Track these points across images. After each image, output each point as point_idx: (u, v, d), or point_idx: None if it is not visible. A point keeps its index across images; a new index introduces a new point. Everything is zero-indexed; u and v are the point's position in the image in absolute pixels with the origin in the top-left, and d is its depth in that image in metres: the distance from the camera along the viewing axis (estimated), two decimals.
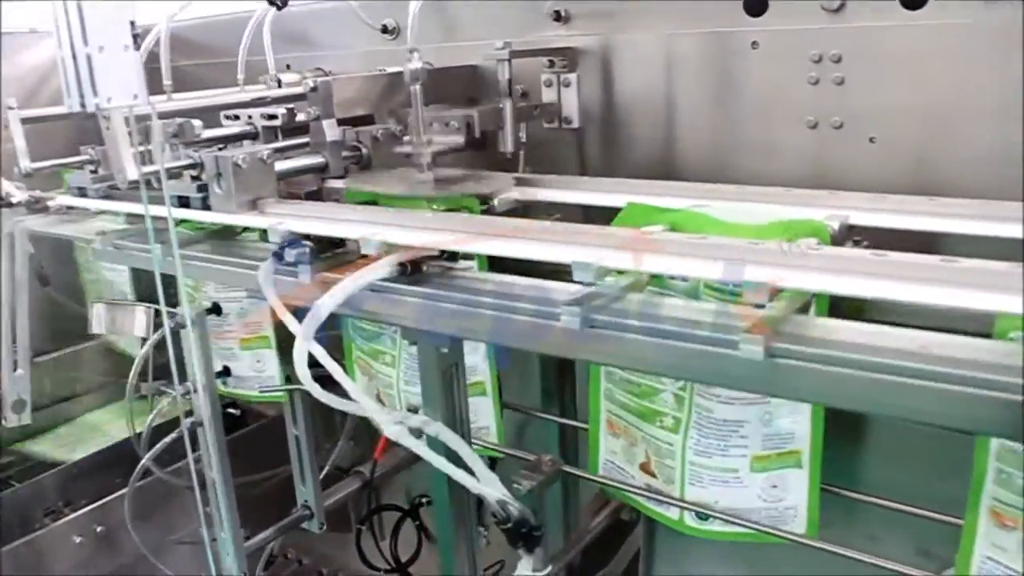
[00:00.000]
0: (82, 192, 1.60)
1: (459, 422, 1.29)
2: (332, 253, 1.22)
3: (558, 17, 1.57)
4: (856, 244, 1.04)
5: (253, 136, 1.53)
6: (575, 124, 1.60)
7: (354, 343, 1.63)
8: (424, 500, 2.14)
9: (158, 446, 1.84)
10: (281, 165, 1.39)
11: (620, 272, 0.97)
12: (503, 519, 1.20)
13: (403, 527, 2.17)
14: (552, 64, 1.58)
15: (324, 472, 1.94)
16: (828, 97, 1.33)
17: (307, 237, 1.20)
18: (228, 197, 1.32)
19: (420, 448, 1.19)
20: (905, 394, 0.76)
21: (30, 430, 2.20)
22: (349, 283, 1.07)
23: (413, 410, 1.41)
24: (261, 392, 1.74)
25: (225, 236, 1.42)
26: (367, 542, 2.16)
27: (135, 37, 1.01)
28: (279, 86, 1.60)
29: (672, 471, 1.24)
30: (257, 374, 1.72)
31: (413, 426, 1.20)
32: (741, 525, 1.21)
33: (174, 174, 1.36)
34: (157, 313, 1.82)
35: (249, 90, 1.61)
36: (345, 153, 1.47)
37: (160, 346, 1.81)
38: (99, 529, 1.99)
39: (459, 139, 1.46)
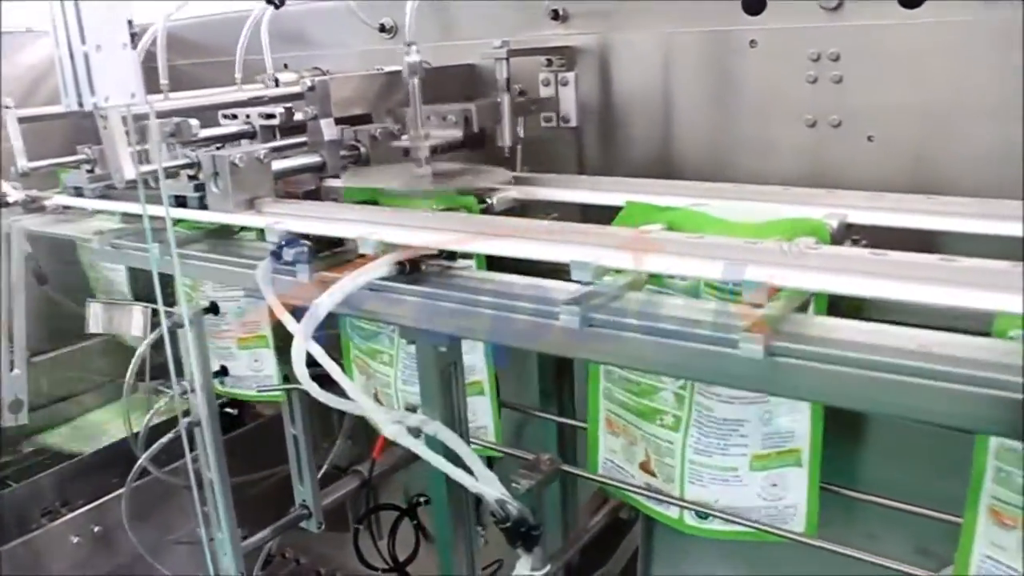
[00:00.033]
0: (78, 192, 1.60)
1: (458, 421, 1.29)
2: (331, 252, 1.21)
3: (556, 16, 1.57)
4: (855, 243, 1.03)
5: (251, 135, 1.52)
6: (573, 123, 1.59)
7: (352, 342, 1.63)
8: (422, 499, 2.14)
9: (155, 446, 1.83)
10: (278, 164, 1.39)
11: (619, 271, 0.97)
12: (502, 518, 1.20)
13: (401, 526, 2.17)
14: (550, 63, 1.58)
15: (322, 471, 1.94)
16: (826, 96, 1.32)
17: (305, 237, 1.20)
18: (225, 196, 1.31)
19: (419, 448, 1.19)
20: (905, 393, 0.76)
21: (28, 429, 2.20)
22: (348, 282, 1.07)
23: (411, 409, 1.41)
24: (259, 391, 1.74)
25: (223, 235, 1.42)
26: (365, 542, 2.16)
27: (132, 36, 1.01)
28: (276, 85, 1.60)
29: (672, 470, 1.24)
30: (255, 373, 1.72)
31: (411, 425, 1.20)
32: (741, 524, 1.21)
33: (171, 174, 1.35)
34: (155, 312, 1.82)
35: (246, 89, 1.60)
36: (343, 152, 1.47)
37: (158, 345, 1.82)
38: (96, 529, 1.99)
39: (457, 133, 1.46)
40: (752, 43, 1.38)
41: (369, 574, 2.16)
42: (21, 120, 1.52)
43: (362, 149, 1.48)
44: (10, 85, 2.04)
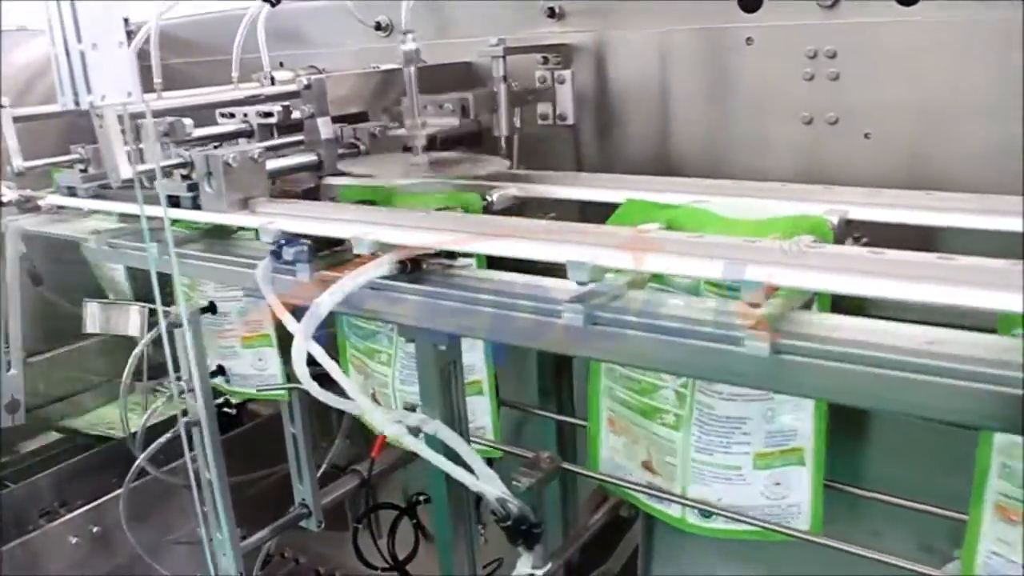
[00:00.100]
0: (71, 191, 1.59)
1: (457, 420, 1.28)
2: (330, 251, 1.21)
3: (552, 13, 1.57)
4: (856, 240, 1.03)
5: (248, 134, 1.52)
6: (570, 120, 1.59)
7: (349, 341, 1.63)
8: (421, 498, 2.14)
9: (153, 446, 1.83)
10: (273, 164, 1.38)
11: (618, 271, 0.97)
12: (503, 517, 1.20)
13: (400, 525, 2.17)
14: (546, 60, 1.57)
15: (321, 471, 1.94)
16: (823, 93, 1.32)
17: (300, 237, 1.19)
18: (219, 196, 1.30)
19: (420, 447, 1.19)
20: (911, 390, 0.76)
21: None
22: (348, 281, 1.07)
23: (410, 409, 1.40)
24: (259, 391, 1.74)
25: (222, 235, 1.41)
26: (364, 541, 2.16)
27: (127, 35, 1.01)
28: (272, 84, 1.60)
29: (674, 468, 1.24)
30: (259, 372, 1.71)
31: (411, 425, 1.20)
32: (744, 523, 1.21)
33: (165, 173, 1.35)
34: (152, 312, 1.82)
35: (243, 88, 1.60)
36: (342, 150, 1.46)
37: (156, 345, 1.81)
38: (95, 530, 1.98)
39: (454, 121, 1.46)
40: (748, 40, 1.38)
41: (369, 573, 2.16)
42: (16, 119, 1.51)
43: (362, 147, 1.47)
44: (4, 84, 2.03)
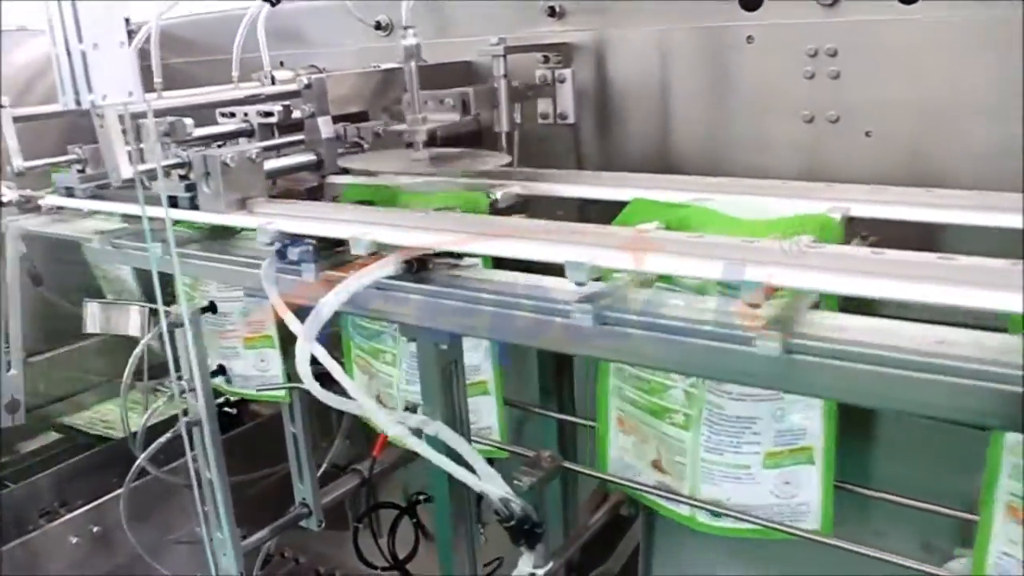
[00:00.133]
0: (69, 192, 1.58)
1: (459, 420, 1.28)
2: (332, 251, 1.20)
3: (552, 13, 1.57)
4: (863, 240, 1.03)
5: (249, 134, 1.52)
6: (570, 120, 1.59)
7: (353, 341, 1.62)
8: (421, 498, 2.14)
9: (153, 446, 1.83)
10: (272, 164, 1.38)
11: (615, 270, 0.96)
12: (506, 517, 1.20)
13: (400, 525, 2.16)
14: (547, 60, 1.57)
15: (321, 470, 1.94)
16: (824, 91, 1.33)
17: (297, 237, 1.18)
18: (216, 196, 1.29)
19: (423, 448, 1.19)
20: (923, 390, 0.76)
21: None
22: (353, 282, 1.06)
23: (411, 409, 1.40)
24: (258, 391, 1.73)
25: (225, 235, 1.41)
26: (364, 540, 2.16)
27: (128, 34, 1.01)
28: (273, 83, 1.60)
29: (683, 468, 1.23)
30: (261, 373, 1.71)
31: (412, 425, 1.20)
32: (753, 522, 1.20)
33: (163, 173, 1.34)
34: (152, 312, 1.82)
35: (243, 87, 1.60)
36: (347, 148, 1.46)
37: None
38: (95, 529, 1.98)
39: (454, 116, 1.46)
40: (749, 39, 1.38)
41: (369, 573, 2.16)
42: (16, 119, 1.51)
43: (365, 145, 1.47)
44: (4, 84, 2.03)
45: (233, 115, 1.54)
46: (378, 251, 1.10)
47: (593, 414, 1.51)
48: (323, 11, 1.90)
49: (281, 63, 1.80)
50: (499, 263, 1.11)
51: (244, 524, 1.65)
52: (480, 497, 1.36)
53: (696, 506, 1.25)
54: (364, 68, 1.57)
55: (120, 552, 2.00)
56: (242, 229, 1.39)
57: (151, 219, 1.15)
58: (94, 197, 1.54)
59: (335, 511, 1.93)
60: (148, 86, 1.36)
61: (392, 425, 1.16)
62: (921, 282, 0.79)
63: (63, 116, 1.47)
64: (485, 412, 1.50)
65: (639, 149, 1.54)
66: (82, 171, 1.57)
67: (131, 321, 1.89)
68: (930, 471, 1.24)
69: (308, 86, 1.43)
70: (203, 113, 1.47)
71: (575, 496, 1.63)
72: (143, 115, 1.20)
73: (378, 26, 1.80)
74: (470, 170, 1.32)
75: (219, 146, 1.44)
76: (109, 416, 2.35)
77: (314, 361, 1.08)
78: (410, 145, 1.39)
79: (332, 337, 1.57)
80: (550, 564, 1.31)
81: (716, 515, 1.24)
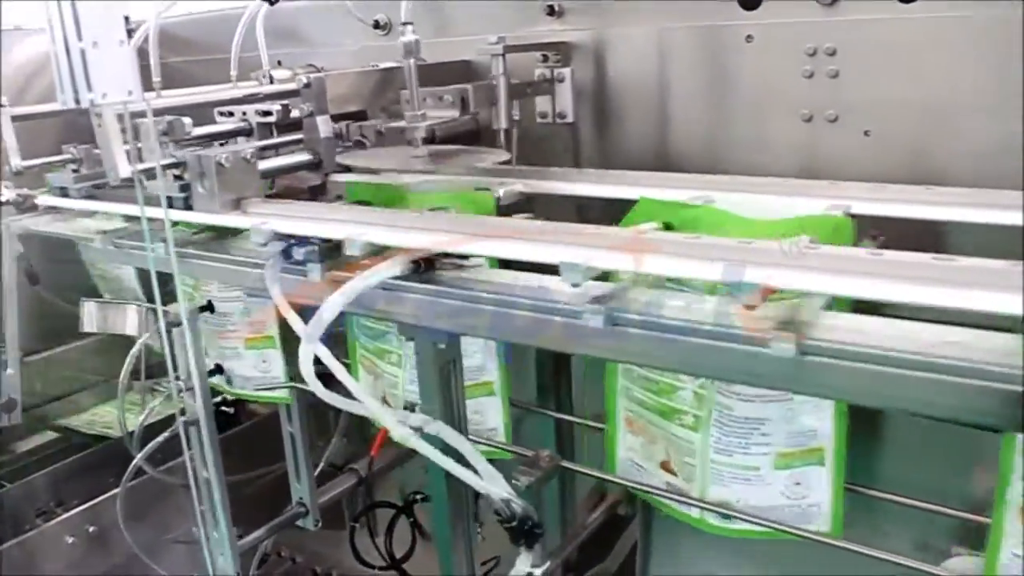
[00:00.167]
0: (64, 192, 1.55)
1: (457, 419, 1.28)
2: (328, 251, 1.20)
3: (551, 11, 1.57)
4: (874, 239, 1.03)
5: (248, 132, 1.52)
6: (569, 119, 1.59)
7: (359, 342, 1.60)
8: (418, 497, 2.14)
9: (150, 445, 1.83)
10: (267, 164, 1.37)
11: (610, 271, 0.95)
12: (508, 517, 1.19)
13: (397, 524, 2.16)
14: (546, 59, 1.58)
15: (318, 470, 1.94)
16: (823, 90, 1.33)
17: (293, 238, 1.18)
18: (211, 197, 1.29)
19: (428, 450, 1.18)
20: (940, 391, 0.75)
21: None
22: (359, 282, 1.04)
23: (410, 408, 1.40)
24: (256, 390, 1.73)
25: (228, 234, 1.40)
26: (361, 539, 2.16)
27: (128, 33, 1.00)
28: (271, 83, 1.60)
29: (693, 469, 1.22)
30: (262, 375, 1.69)
31: (413, 425, 1.19)
32: (764, 524, 1.19)
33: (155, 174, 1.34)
34: (150, 311, 1.81)
35: (241, 86, 1.60)
36: (348, 146, 1.46)
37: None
38: (92, 529, 1.98)
39: (454, 113, 1.46)
40: (748, 38, 1.38)
41: (366, 572, 2.15)
42: (14, 118, 1.51)
43: (367, 144, 1.47)
44: (2, 83, 2.02)
45: (231, 114, 1.53)
46: (371, 252, 1.09)
47: (591, 413, 1.52)
48: (321, 10, 1.90)
49: (279, 62, 1.80)
50: (505, 263, 1.10)
51: (241, 524, 1.64)
52: (478, 496, 1.36)
53: (705, 508, 1.23)
54: (363, 67, 1.57)
55: (117, 552, 1.99)
56: (244, 229, 1.38)
57: (150, 219, 1.15)
58: (89, 197, 1.52)
59: (332, 510, 1.92)
60: (146, 85, 1.36)
61: (397, 426, 1.15)
62: (919, 283, 0.79)
63: (60, 115, 1.48)
64: (491, 413, 1.49)
65: (638, 148, 1.54)
66: (76, 171, 1.56)
67: (128, 320, 1.88)
68: (941, 471, 1.24)
69: (307, 85, 1.43)
70: (202, 112, 1.46)
71: (573, 495, 1.63)
72: (141, 114, 1.20)
73: (376, 25, 1.80)
74: (469, 167, 1.32)
75: (222, 144, 1.44)
76: (107, 417, 2.34)
77: (317, 361, 1.08)
78: (409, 142, 1.39)
79: (336, 337, 1.56)
80: (548, 563, 1.31)
81: (726, 517, 1.22)
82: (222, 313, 1.66)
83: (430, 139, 1.40)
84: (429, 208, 1.27)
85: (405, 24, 1.32)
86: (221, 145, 1.43)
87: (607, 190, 1.28)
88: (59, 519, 1.97)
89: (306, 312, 1.09)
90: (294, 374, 1.66)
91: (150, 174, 1.20)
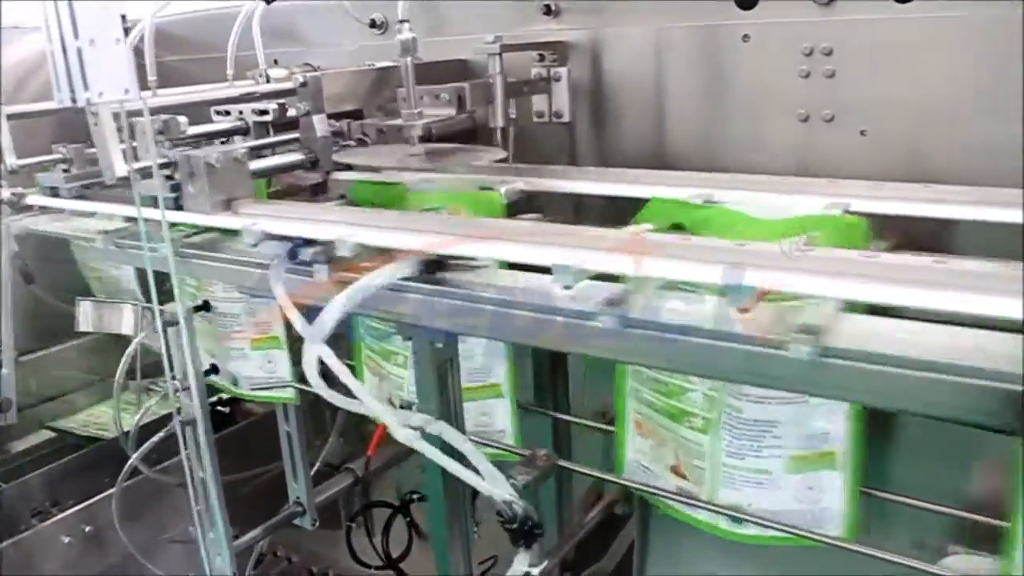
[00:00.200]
0: (54, 192, 1.54)
1: (454, 419, 1.28)
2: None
3: (548, 11, 1.57)
4: (885, 240, 1.03)
5: (244, 132, 1.51)
6: (565, 118, 1.59)
7: (364, 342, 1.59)
8: (415, 496, 2.14)
9: (146, 445, 1.82)
10: (259, 164, 1.37)
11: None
12: (510, 519, 1.18)
13: (394, 524, 2.16)
14: (542, 58, 1.58)
15: (314, 469, 1.94)
16: (819, 90, 1.33)
17: (285, 238, 1.17)
18: (201, 197, 1.28)
19: (431, 451, 1.16)
20: (961, 394, 0.73)
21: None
22: (366, 283, 1.03)
23: (406, 406, 1.39)
24: (252, 390, 1.72)
25: (231, 234, 1.39)
26: (357, 539, 2.16)
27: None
28: (267, 82, 1.59)
29: (703, 472, 1.20)
30: (268, 375, 1.68)
31: (414, 425, 1.18)
32: (777, 528, 1.17)
33: (149, 174, 1.33)
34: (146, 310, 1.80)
35: (238, 85, 1.59)
36: (345, 144, 1.46)
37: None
38: (88, 529, 1.97)
39: (450, 111, 1.46)
40: (745, 38, 1.38)
41: (362, 571, 2.15)
42: (10, 117, 1.50)
43: (369, 142, 1.47)
44: None
45: (228, 113, 1.53)
46: (376, 253, 1.09)
47: (588, 412, 1.52)
48: (317, 9, 1.90)
49: (275, 61, 1.80)
50: (514, 264, 1.09)
51: (236, 523, 1.64)
52: (475, 495, 1.36)
53: (716, 512, 1.21)
54: (359, 66, 1.57)
55: (112, 552, 1.99)
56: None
57: (145, 220, 1.14)
58: (79, 197, 1.51)
59: (328, 510, 1.92)
60: (141, 84, 1.36)
61: (401, 429, 1.13)
62: (915, 287, 0.78)
63: (56, 114, 1.47)
64: (499, 415, 1.47)
65: (634, 148, 1.54)
66: (67, 171, 1.54)
67: (124, 320, 1.87)
68: (941, 471, 1.23)
69: (303, 84, 1.43)
70: (199, 112, 1.46)
71: (570, 494, 1.63)
72: (136, 113, 1.19)
73: (373, 24, 1.79)
74: (477, 166, 1.32)
75: (225, 142, 1.44)
76: (103, 418, 2.34)
77: (322, 361, 1.07)
78: (406, 140, 1.39)
79: (338, 337, 1.55)
80: (545, 563, 1.31)
81: (737, 521, 1.20)
82: (228, 314, 1.64)
83: (427, 137, 1.40)
84: (433, 208, 1.26)
85: (402, 22, 1.32)
86: (224, 143, 1.43)
87: (607, 188, 1.29)
88: (55, 519, 1.97)
89: (310, 313, 1.08)
90: (299, 375, 1.63)
91: (144, 173, 1.20)
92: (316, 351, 1.05)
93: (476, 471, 1.17)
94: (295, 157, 1.44)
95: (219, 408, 2.16)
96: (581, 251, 0.94)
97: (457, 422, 1.28)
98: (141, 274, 1.89)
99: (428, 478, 1.32)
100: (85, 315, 1.88)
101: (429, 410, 1.25)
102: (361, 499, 2.18)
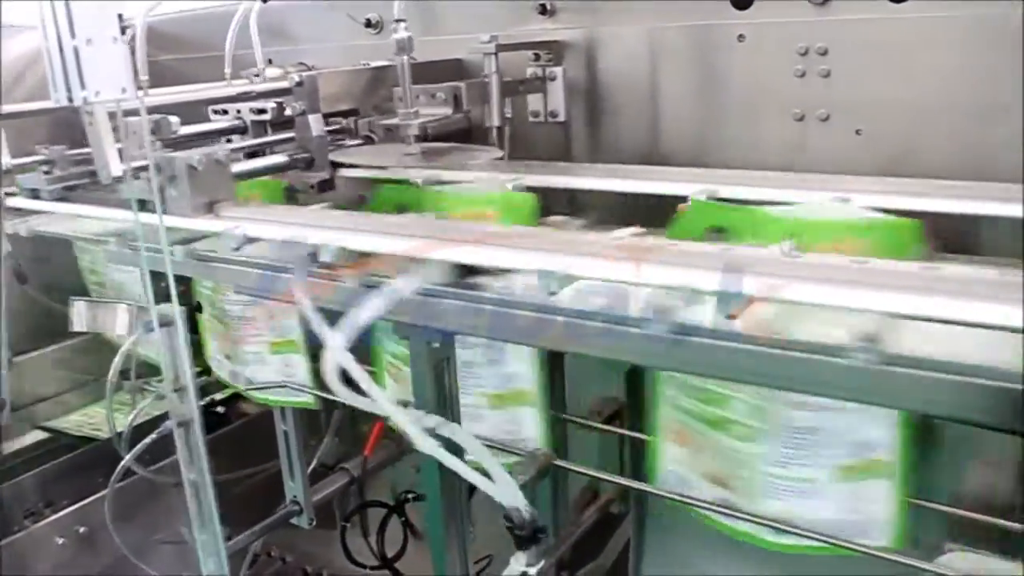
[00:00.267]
0: (35, 194, 1.51)
1: (451, 419, 1.27)
2: None
3: (543, 10, 1.57)
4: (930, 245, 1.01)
5: (242, 131, 1.51)
6: (561, 118, 1.60)
7: (383, 346, 1.54)
8: (410, 496, 2.13)
9: (139, 446, 1.81)
10: (243, 166, 1.36)
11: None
12: (520, 524, 1.17)
13: (389, 523, 2.16)
14: (538, 57, 1.58)
15: (310, 469, 1.93)
16: (814, 90, 1.34)
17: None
18: (183, 200, 1.26)
19: (450, 460, 1.14)
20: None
21: None
22: (399, 286, 1.00)
23: (403, 405, 1.38)
24: (249, 390, 1.71)
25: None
26: (352, 539, 2.15)
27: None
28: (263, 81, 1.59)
29: (745, 482, 1.16)
30: (287, 380, 1.65)
31: (427, 426, 1.16)
32: (823, 541, 1.13)
33: (135, 175, 1.32)
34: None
35: (234, 85, 1.59)
36: (358, 141, 1.47)
37: None
38: (81, 530, 1.97)
39: (446, 110, 1.46)
40: (740, 37, 1.38)
41: (357, 571, 2.15)
42: (3, 116, 1.49)
43: (375, 139, 1.47)
44: None
45: (226, 112, 1.52)
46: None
47: (585, 412, 1.52)
48: (312, 8, 1.90)
49: (269, 60, 1.79)
50: None
51: (230, 523, 1.64)
52: (471, 495, 1.36)
53: (758, 523, 1.17)
54: (354, 66, 1.57)
55: (106, 552, 1.98)
56: None
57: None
58: (60, 199, 1.48)
59: (323, 510, 1.92)
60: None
61: (425, 439, 1.11)
62: (905, 293, 0.78)
63: (49, 113, 1.47)
64: (527, 425, 1.41)
65: (630, 147, 1.54)
66: (48, 172, 1.51)
67: (118, 320, 1.86)
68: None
69: (299, 83, 1.43)
70: (196, 111, 1.45)
71: (566, 493, 1.63)
72: (129, 113, 1.19)
73: (368, 23, 1.79)
74: (461, 165, 1.32)
75: (228, 140, 1.44)
76: (97, 418, 2.33)
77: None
78: (402, 140, 1.39)
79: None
80: (542, 562, 1.31)
81: (780, 531, 1.16)
82: (244, 317, 1.62)
83: (423, 137, 1.40)
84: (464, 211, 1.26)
85: (398, 21, 1.32)
86: (228, 141, 1.42)
87: (603, 183, 1.29)
88: (48, 520, 1.96)
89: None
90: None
91: (135, 175, 1.20)
92: (337, 358, 0.99)
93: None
94: (280, 159, 1.43)
95: (214, 409, 2.15)
96: (568, 257, 0.94)
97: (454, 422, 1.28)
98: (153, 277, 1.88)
99: (425, 478, 1.32)
100: (79, 315, 1.87)
101: (425, 410, 1.24)
102: (356, 499, 2.17)
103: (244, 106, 1.50)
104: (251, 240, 1.17)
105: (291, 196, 1.51)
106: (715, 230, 1.09)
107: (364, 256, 1.10)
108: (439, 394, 1.25)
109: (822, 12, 1.30)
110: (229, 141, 1.47)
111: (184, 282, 1.22)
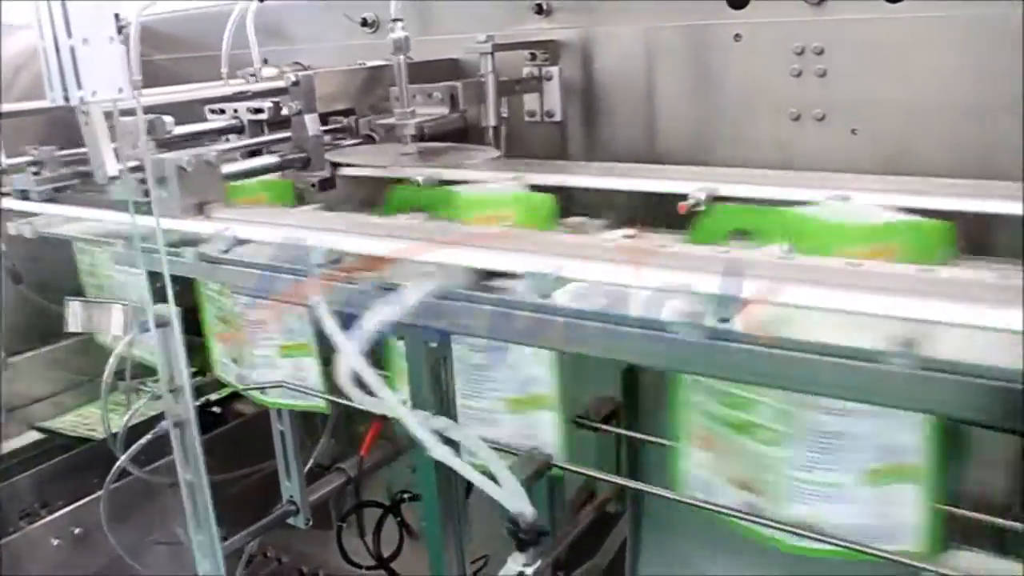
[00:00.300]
0: (24, 195, 1.50)
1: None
2: None
3: (540, 10, 1.57)
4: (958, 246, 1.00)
5: (239, 130, 1.51)
6: (557, 117, 1.59)
7: (397, 349, 1.50)
8: (406, 496, 2.13)
9: (135, 446, 1.81)
10: (233, 167, 1.36)
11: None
12: (524, 528, 1.16)
13: (385, 523, 2.16)
14: (534, 57, 1.58)
15: (306, 469, 1.93)
16: (810, 89, 1.34)
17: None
18: (172, 201, 1.25)
19: (463, 467, 1.13)
20: None
21: None
22: (414, 291, 0.99)
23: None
24: (246, 390, 1.71)
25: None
26: (348, 539, 2.15)
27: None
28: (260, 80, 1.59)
29: (771, 486, 1.14)
30: (298, 384, 1.63)
31: (435, 428, 1.15)
32: (852, 548, 1.11)
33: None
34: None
35: (231, 84, 1.59)
36: (356, 141, 1.48)
37: None
38: (77, 531, 1.96)
39: (443, 110, 1.46)
40: (736, 37, 1.38)
41: (353, 571, 2.15)
42: (2, 116, 1.49)
43: (377, 139, 1.47)
44: None
45: (223, 111, 1.52)
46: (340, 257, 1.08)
47: (584, 411, 1.52)
48: (307, 8, 1.89)
49: (265, 60, 1.79)
50: None
51: (226, 524, 1.63)
52: (468, 495, 1.36)
53: (783, 529, 1.15)
54: (350, 65, 1.57)
55: (102, 553, 1.98)
56: None
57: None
58: (49, 200, 1.48)
59: (319, 510, 1.92)
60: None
61: (439, 446, 1.09)
62: (901, 296, 0.78)
63: (45, 113, 1.46)
64: (544, 431, 1.38)
65: (626, 147, 1.54)
66: (37, 173, 1.49)
67: (113, 320, 1.86)
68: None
69: (296, 83, 1.42)
70: (194, 110, 1.45)
71: (562, 493, 1.64)
72: (128, 112, 1.18)
73: (364, 23, 1.79)
74: (457, 164, 1.32)
75: (225, 140, 1.43)
76: (92, 418, 2.32)
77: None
78: (399, 139, 1.39)
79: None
80: (539, 562, 1.31)
81: (803, 536, 1.13)
82: (255, 320, 1.61)
83: (419, 136, 1.40)
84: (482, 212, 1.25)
85: (395, 20, 1.32)
86: (228, 140, 1.42)
87: (602, 181, 1.30)
88: (43, 521, 1.95)
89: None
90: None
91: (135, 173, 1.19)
92: (351, 364, 1.00)
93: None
94: (272, 159, 1.43)
95: (210, 409, 2.15)
96: (557, 259, 0.94)
97: None
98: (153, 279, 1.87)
99: (421, 478, 1.32)
100: (74, 315, 1.86)
101: (423, 410, 1.24)
102: (352, 499, 2.17)
103: (241, 106, 1.50)
104: (241, 242, 1.16)
105: (301, 197, 1.50)
106: (739, 233, 1.07)
107: (377, 259, 1.09)
108: (436, 394, 1.25)
109: (818, 12, 1.30)
110: (227, 141, 1.47)
111: (182, 283, 1.21)
